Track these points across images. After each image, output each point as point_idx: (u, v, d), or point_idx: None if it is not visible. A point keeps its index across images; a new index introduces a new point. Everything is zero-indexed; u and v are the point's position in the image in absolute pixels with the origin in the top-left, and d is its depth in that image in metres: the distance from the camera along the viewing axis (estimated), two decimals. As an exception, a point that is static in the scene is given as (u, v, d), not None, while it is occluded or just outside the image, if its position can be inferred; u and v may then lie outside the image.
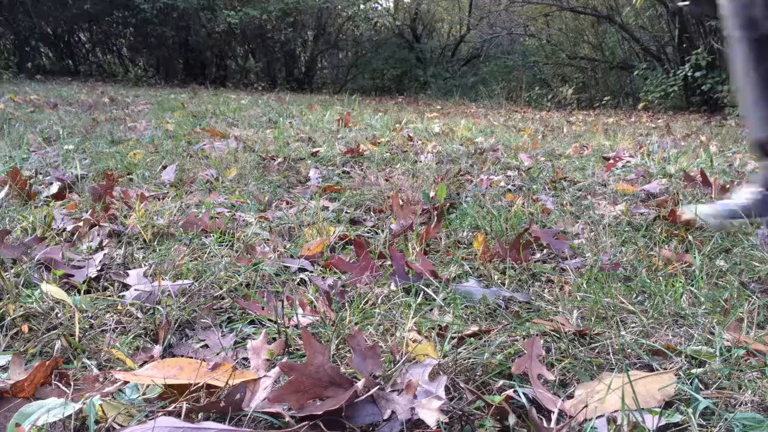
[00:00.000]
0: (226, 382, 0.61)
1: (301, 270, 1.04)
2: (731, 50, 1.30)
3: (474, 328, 0.79)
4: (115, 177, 1.71)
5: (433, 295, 0.90)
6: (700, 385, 0.67)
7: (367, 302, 0.88)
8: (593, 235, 1.26)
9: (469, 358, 0.70)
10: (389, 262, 1.03)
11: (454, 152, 2.50)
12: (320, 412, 0.56)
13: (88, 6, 9.51)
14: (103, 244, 1.13)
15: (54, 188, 1.54)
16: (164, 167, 1.85)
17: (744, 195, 1.32)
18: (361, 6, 10.68)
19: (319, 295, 0.89)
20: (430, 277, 0.97)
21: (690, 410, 0.60)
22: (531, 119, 5.14)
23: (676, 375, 0.67)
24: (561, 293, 0.95)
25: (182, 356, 0.73)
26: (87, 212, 1.32)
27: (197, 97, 6.14)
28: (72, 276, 0.94)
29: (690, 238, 1.25)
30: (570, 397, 0.65)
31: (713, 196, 1.72)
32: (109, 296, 0.88)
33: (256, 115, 4.11)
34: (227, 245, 1.16)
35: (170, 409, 0.58)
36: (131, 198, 1.45)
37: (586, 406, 0.61)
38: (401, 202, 1.45)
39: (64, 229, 1.20)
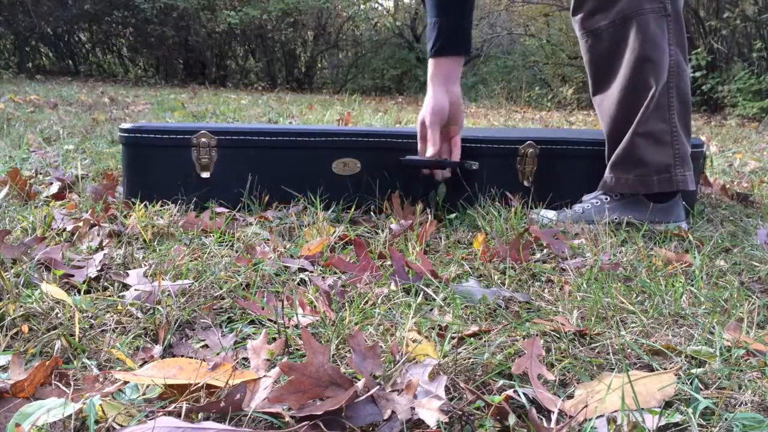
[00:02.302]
0: (226, 382, 0.61)
1: (301, 270, 1.04)
2: None
3: (474, 328, 0.79)
4: (115, 177, 1.71)
5: (433, 295, 0.90)
6: (700, 385, 0.67)
7: (367, 302, 0.88)
8: (593, 235, 1.26)
9: (469, 358, 0.70)
10: (389, 262, 1.03)
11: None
12: (320, 412, 0.56)
13: (88, 6, 9.51)
14: (103, 244, 1.13)
15: (54, 188, 1.54)
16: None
17: (585, 202, 1.40)
18: (362, 6, 10.69)
19: (319, 295, 0.89)
20: (430, 276, 0.97)
21: (690, 410, 0.60)
22: (531, 119, 5.14)
23: (676, 375, 0.67)
24: (561, 293, 0.95)
25: (182, 356, 0.73)
26: (87, 212, 1.32)
27: (197, 96, 6.14)
28: (72, 276, 0.94)
29: (690, 237, 1.25)
30: (570, 397, 0.65)
31: (713, 195, 1.72)
32: (109, 296, 0.88)
33: (256, 115, 4.11)
34: (227, 245, 1.16)
35: (170, 409, 0.58)
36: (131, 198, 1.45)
37: (586, 406, 0.61)
38: (401, 202, 1.45)
39: (64, 229, 1.20)
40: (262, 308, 0.84)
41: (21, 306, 0.80)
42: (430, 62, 1.36)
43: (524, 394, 0.62)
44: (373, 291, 0.91)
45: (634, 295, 0.93)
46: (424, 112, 1.37)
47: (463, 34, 1.35)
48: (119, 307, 0.84)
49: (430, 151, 1.37)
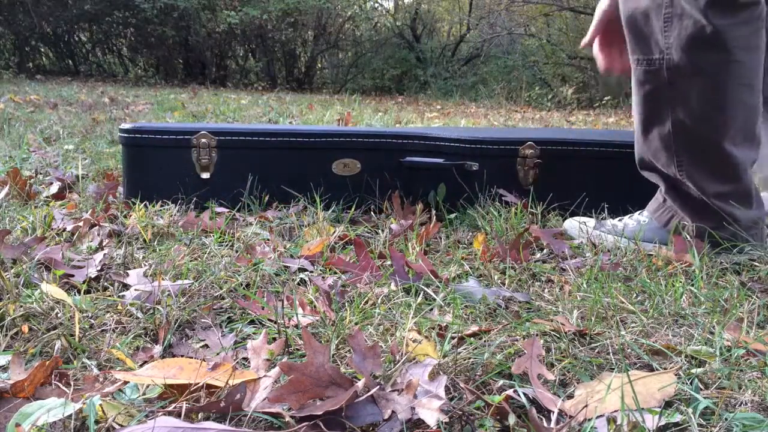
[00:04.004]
0: (226, 382, 0.61)
1: (301, 270, 1.04)
2: None
3: (474, 328, 0.79)
4: (116, 177, 1.71)
5: (433, 295, 0.90)
6: (700, 385, 0.67)
7: (367, 302, 0.88)
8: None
9: (469, 358, 0.70)
10: (389, 262, 1.03)
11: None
12: (320, 412, 0.56)
13: (88, 6, 9.51)
14: (103, 244, 1.13)
15: (54, 188, 1.54)
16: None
17: (632, 220, 1.27)
18: (362, 6, 10.69)
19: (319, 295, 0.89)
20: (431, 276, 0.97)
21: (690, 410, 0.60)
22: (531, 119, 5.14)
23: (676, 375, 0.67)
24: (561, 293, 0.95)
25: (182, 356, 0.73)
26: (87, 212, 1.32)
27: (197, 97, 6.14)
28: (72, 276, 0.94)
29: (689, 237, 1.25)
30: (570, 397, 0.65)
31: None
32: (109, 296, 0.88)
33: (256, 115, 4.11)
34: (227, 245, 1.16)
35: (170, 409, 0.58)
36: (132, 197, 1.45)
37: (586, 406, 0.61)
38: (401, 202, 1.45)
39: (64, 229, 1.20)
40: (262, 308, 0.84)
41: (21, 306, 0.80)
42: None
43: (524, 394, 0.62)
44: (373, 291, 0.91)
45: (634, 295, 0.93)
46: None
47: None
48: (119, 307, 0.84)
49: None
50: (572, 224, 1.32)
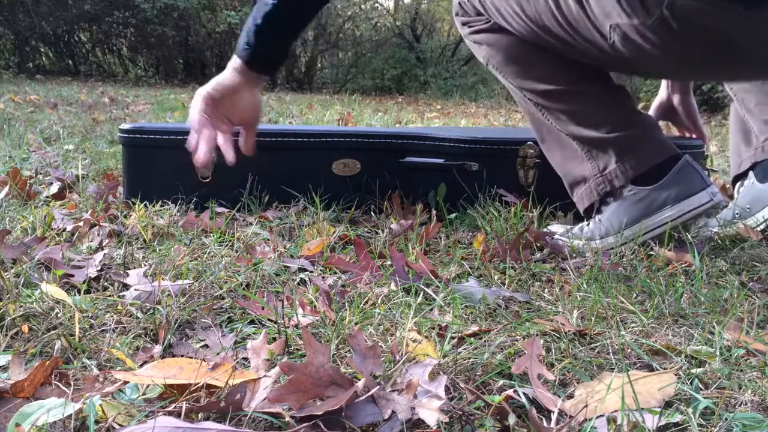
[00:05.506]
0: (226, 382, 0.61)
1: (301, 270, 1.04)
2: None
3: (474, 328, 0.79)
4: (116, 177, 1.71)
5: (433, 295, 0.90)
6: (700, 385, 0.67)
7: (367, 302, 0.88)
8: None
9: (469, 358, 0.70)
10: (389, 262, 1.03)
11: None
12: (320, 412, 0.56)
13: (89, 6, 9.52)
14: (103, 244, 1.13)
15: (54, 188, 1.54)
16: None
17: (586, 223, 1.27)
18: (362, 6, 10.69)
19: (319, 295, 0.89)
20: (431, 276, 0.97)
21: (690, 410, 0.60)
22: (531, 119, 5.14)
23: (676, 375, 0.67)
24: (561, 293, 0.95)
25: (182, 356, 0.73)
26: (87, 212, 1.32)
27: (197, 97, 6.13)
28: (72, 276, 0.94)
29: (689, 237, 1.25)
30: (570, 397, 0.65)
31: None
32: (109, 296, 0.88)
33: (256, 115, 4.10)
34: (227, 245, 1.16)
35: (170, 409, 0.58)
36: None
37: (586, 405, 0.61)
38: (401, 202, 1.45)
39: (64, 229, 1.20)
40: (262, 308, 0.84)
41: (21, 306, 0.80)
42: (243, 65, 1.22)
43: (524, 394, 0.62)
44: (373, 291, 0.91)
45: (634, 295, 0.93)
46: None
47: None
48: (119, 307, 0.84)
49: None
50: (557, 229, 1.30)
